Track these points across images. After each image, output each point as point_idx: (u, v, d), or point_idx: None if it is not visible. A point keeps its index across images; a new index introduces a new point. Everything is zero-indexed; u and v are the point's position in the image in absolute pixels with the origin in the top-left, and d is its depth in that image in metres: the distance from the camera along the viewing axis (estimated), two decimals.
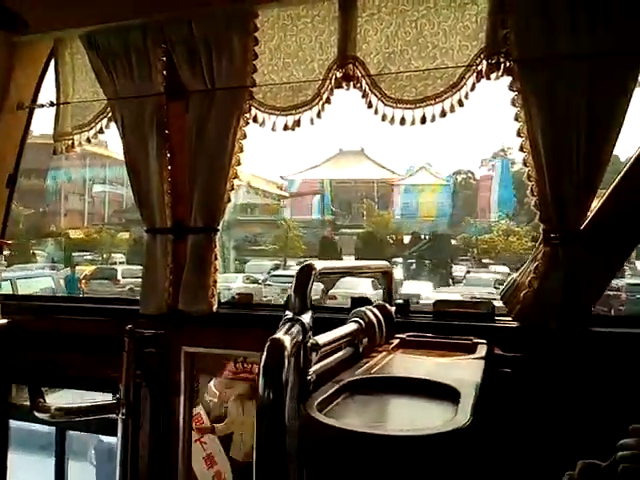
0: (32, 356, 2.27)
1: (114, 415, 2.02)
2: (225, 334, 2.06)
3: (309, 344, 1.03)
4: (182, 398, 2.12)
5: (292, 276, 1.07)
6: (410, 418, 1.03)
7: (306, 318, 1.02)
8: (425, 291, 12.05)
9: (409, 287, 12.97)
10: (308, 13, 1.90)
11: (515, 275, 1.74)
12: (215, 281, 2.08)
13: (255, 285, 13.40)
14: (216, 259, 2.09)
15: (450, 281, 15.50)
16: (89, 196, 17.10)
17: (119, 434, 2.02)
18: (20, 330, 2.34)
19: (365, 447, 0.82)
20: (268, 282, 13.67)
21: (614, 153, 1.60)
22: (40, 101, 2.43)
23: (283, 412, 0.83)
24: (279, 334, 0.90)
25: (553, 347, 1.63)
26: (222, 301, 2.17)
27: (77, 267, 14.25)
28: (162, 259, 2.13)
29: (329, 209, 18.58)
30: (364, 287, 10.52)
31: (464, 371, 1.28)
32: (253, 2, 1.91)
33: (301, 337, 0.96)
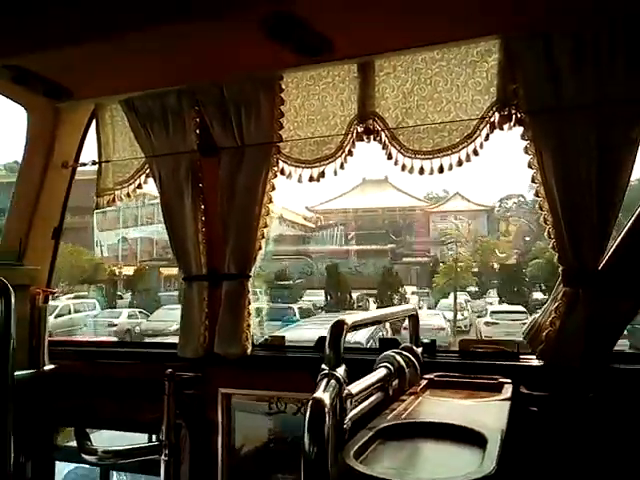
0: (76, 400, 2.39)
1: (156, 456, 2.11)
2: (259, 376, 2.16)
3: (344, 395, 1.12)
4: (220, 437, 2.20)
5: None
6: (439, 464, 1.10)
7: (341, 371, 1.11)
8: None
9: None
10: (329, 74, 2.04)
11: (537, 315, 1.80)
12: (249, 325, 2.19)
13: None
14: (249, 304, 2.20)
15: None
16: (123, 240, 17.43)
17: (162, 474, 2.11)
18: (66, 375, 2.48)
19: None
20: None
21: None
22: (82, 160, 2.62)
23: (327, 464, 0.91)
24: (319, 392, 0.99)
25: (577, 385, 1.68)
26: (256, 344, 2.27)
27: None
28: (198, 305, 2.25)
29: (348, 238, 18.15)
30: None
31: (490, 414, 1.34)
32: (278, 68, 2.06)
33: (337, 391, 1.05)
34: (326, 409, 0.94)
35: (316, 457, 0.90)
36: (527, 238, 16.70)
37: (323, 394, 0.98)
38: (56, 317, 12.02)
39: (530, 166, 1.76)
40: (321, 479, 0.90)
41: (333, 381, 1.05)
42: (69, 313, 12.72)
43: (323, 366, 1.11)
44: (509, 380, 1.64)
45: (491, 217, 18.38)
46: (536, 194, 1.75)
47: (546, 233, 1.75)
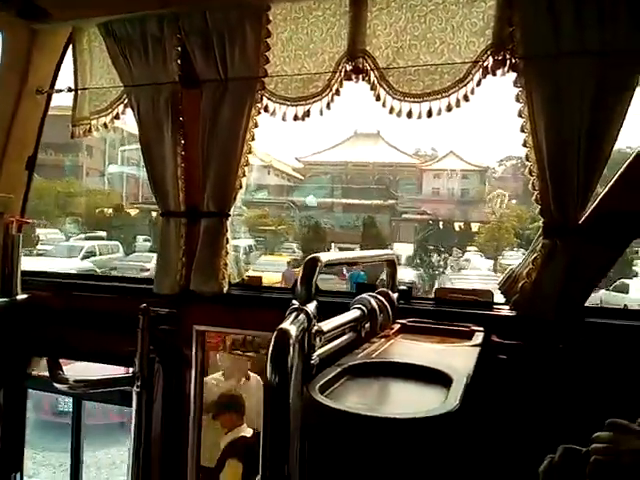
0: (50, 330, 2.39)
1: (129, 388, 2.14)
2: (234, 314, 2.16)
3: (313, 331, 1.12)
4: (193, 372, 2.23)
5: None
6: (404, 401, 1.12)
7: (311, 307, 1.10)
8: None
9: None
10: (319, 7, 1.94)
11: (514, 266, 1.81)
12: (226, 263, 2.17)
13: None
14: (227, 242, 2.18)
15: None
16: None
17: (134, 405, 2.14)
18: (39, 305, 2.46)
19: (360, 427, 0.91)
20: None
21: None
22: (58, 87, 2.50)
23: (288, 394, 0.91)
24: (285, 324, 0.98)
25: (549, 336, 1.71)
26: (232, 283, 2.26)
27: None
28: (175, 242, 2.22)
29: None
30: None
31: (459, 358, 1.36)
32: None
33: (306, 325, 1.04)
34: (291, 340, 0.94)
35: (278, 387, 0.89)
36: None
37: (290, 326, 0.98)
38: (83, 259, 11.79)
39: (520, 115, 1.72)
40: (282, 409, 0.90)
41: (302, 315, 1.04)
42: (93, 255, 12.45)
43: (294, 301, 1.10)
44: (481, 328, 1.66)
45: (484, 177, 18.26)
46: (524, 144, 1.72)
47: (530, 185, 1.73)
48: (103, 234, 13.68)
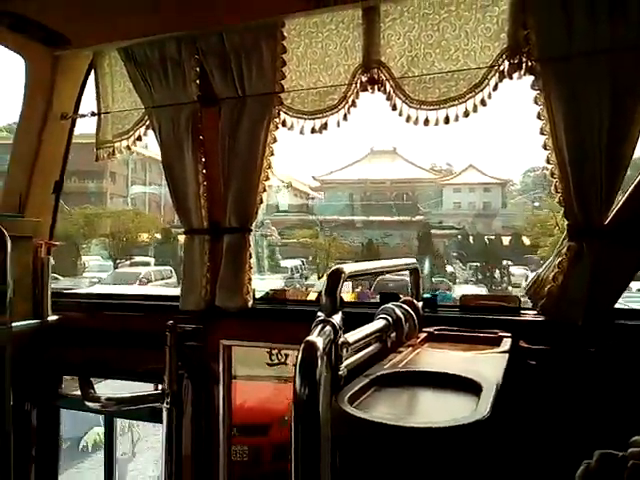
0: (81, 350, 2.43)
1: (159, 405, 2.16)
2: (260, 328, 2.17)
3: (340, 342, 1.12)
4: (221, 387, 2.24)
5: None
6: (434, 410, 1.11)
7: (336, 319, 1.10)
8: None
9: None
10: (332, 20, 1.96)
11: (540, 270, 1.78)
12: (250, 278, 2.19)
13: None
14: (250, 257, 2.20)
15: None
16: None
17: (164, 422, 2.17)
18: (69, 326, 2.51)
19: (389, 437, 0.90)
20: None
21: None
22: (82, 111, 2.57)
23: (317, 405, 0.92)
24: (312, 336, 0.98)
25: (578, 340, 1.67)
26: (257, 297, 2.27)
27: None
28: (200, 258, 2.25)
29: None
30: None
31: (488, 365, 1.34)
32: (280, 13, 1.98)
33: (332, 337, 1.04)
34: (318, 352, 0.94)
35: (307, 399, 0.90)
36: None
37: (316, 338, 0.98)
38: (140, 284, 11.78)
39: (539, 117, 1.70)
40: (311, 421, 0.90)
41: (328, 327, 1.05)
42: (150, 282, 12.37)
43: (319, 313, 1.11)
44: (509, 334, 1.63)
45: (504, 191, 17.94)
46: (544, 146, 1.70)
47: (553, 187, 1.71)
48: (149, 259, 13.79)
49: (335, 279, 1.16)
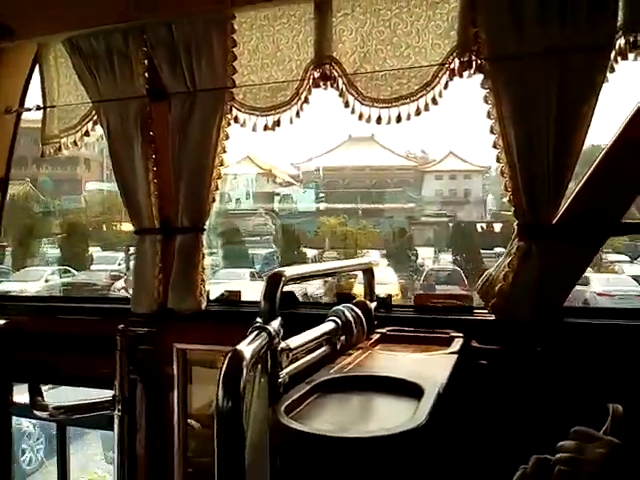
0: (29, 355, 2.33)
1: (110, 411, 2.09)
2: (214, 330, 2.12)
3: (279, 348, 1.09)
4: (176, 393, 2.18)
5: None
6: (375, 417, 1.09)
7: (274, 324, 1.07)
8: None
9: None
10: (284, 14, 1.91)
11: (491, 269, 1.78)
12: (203, 280, 2.13)
13: None
14: (203, 258, 2.14)
15: None
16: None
17: (115, 430, 2.09)
18: (18, 330, 2.41)
19: (320, 448, 0.88)
20: None
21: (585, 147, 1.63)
22: (27, 105, 2.46)
23: (241, 420, 0.88)
24: (241, 345, 0.95)
25: (528, 339, 1.68)
26: (212, 299, 2.22)
27: None
28: (151, 259, 2.18)
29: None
30: None
31: (436, 367, 1.33)
32: (231, 5, 1.93)
33: (266, 343, 1.01)
34: (244, 362, 0.90)
35: (230, 412, 0.86)
36: None
37: (245, 347, 0.94)
38: None
39: (489, 116, 1.69)
40: (234, 435, 0.86)
41: (263, 333, 1.01)
42: None
43: (257, 319, 1.07)
44: (460, 334, 1.63)
45: (486, 178, 18.10)
46: (494, 145, 1.69)
47: (503, 186, 1.71)
48: None
49: (274, 283, 1.13)
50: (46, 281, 11.63)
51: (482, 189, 17.08)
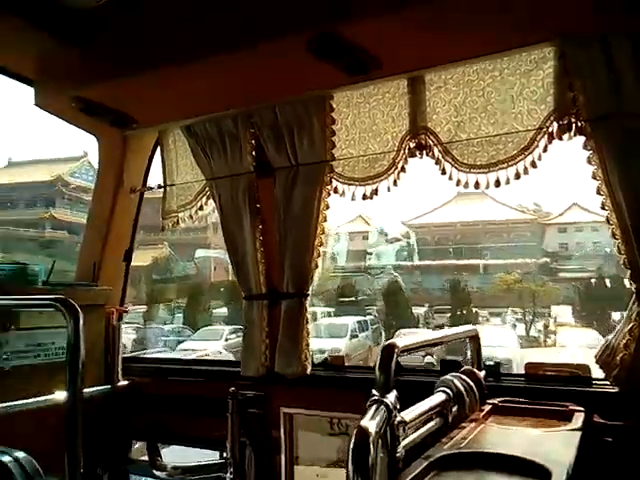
0: (148, 415, 2.50)
1: (222, 473, 2.16)
2: (320, 396, 2.15)
3: (396, 422, 1.10)
4: (283, 457, 2.22)
5: None
6: None
7: (391, 397, 1.09)
8: None
9: None
10: (379, 91, 2.04)
11: (610, 337, 1.68)
12: (307, 344, 2.20)
13: None
14: (307, 323, 2.22)
15: None
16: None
17: None
18: (138, 391, 2.60)
19: None
20: None
21: None
22: (149, 184, 2.76)
23: None
24: (365, 420, 0.97)
25: None
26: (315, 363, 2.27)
27: None
28: (259, 324, 2.30)
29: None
30: None
31: (558, 445, 1.26)
32: (328, 88, 2.08)
33: (386, 419, 1.03)
34: (371, 438, 0.93)
35: None
36: None
37: (369, 422, 0.97)
38: (351, 338, 12.27)
39: (595, 177, 1.65)
40: None
41: (382, 408, 1.03)
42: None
43: (373, 391, 1.10)
44: (581, 408, 1.53)
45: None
46: (602, 207, 1.64)
47: (616, 248, 1.63)
48: None
49: (388, 354, 1.14)
50: (226, 340, 12.36)
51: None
